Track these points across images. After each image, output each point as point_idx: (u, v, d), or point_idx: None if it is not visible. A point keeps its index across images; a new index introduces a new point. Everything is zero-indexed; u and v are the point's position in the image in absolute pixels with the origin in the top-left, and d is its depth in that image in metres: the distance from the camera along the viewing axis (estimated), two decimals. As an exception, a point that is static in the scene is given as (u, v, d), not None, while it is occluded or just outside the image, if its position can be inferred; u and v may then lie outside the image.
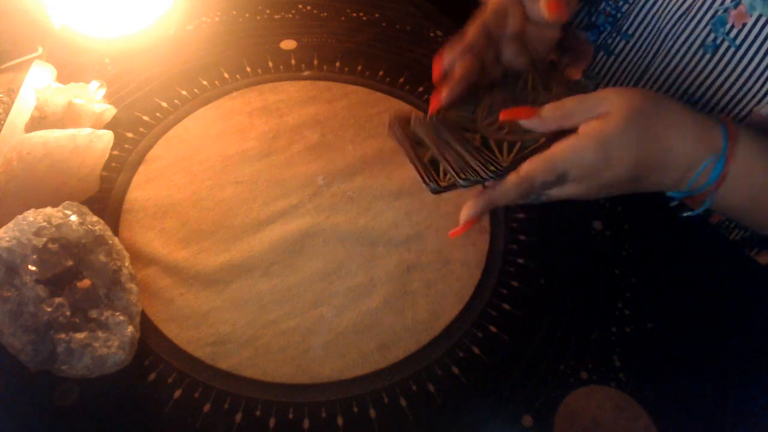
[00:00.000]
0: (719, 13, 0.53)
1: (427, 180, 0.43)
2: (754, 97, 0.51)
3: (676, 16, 0.57)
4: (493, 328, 0.47)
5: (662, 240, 0.54)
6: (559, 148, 0.42)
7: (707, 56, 0.54)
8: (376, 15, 0.72)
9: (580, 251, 0.52)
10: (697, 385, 0.45)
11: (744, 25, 0.51)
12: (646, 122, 0.42)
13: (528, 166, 0.42)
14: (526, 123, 0.43)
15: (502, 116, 0.43)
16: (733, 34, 0.52)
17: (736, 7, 0.51)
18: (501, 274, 0.50)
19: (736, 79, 0.52)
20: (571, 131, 0.42)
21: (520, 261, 0.51)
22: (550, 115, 0.43)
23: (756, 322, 0.49)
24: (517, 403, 0.43)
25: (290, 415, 0.41)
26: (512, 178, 0.43)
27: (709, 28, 0.54)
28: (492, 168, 0.42)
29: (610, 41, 0.64)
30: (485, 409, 0.43)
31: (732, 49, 0.52)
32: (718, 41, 0.53)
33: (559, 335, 0.47)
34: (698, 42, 0.55)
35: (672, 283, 0.51)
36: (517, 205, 0.54)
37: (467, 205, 0.45)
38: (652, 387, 0.44)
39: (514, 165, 0.43)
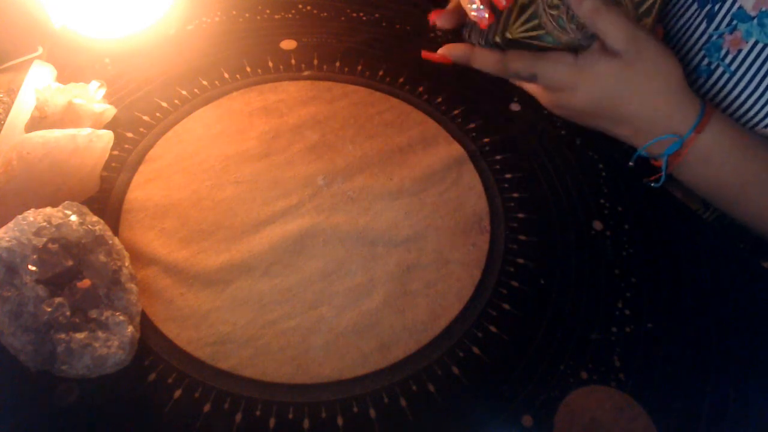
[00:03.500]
0: (713, 38, 0.52)
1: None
2: (749, 122, 0.51)
3: (669, 35, 0.57)
4: (493, 328, 0.47)
5: (662, 240, 0.54)
6: (547, 56, 0.47)
7: (701, 80, 0.54)
8: (376, 15, 0.72)
9: (580, 251, 0.52)
10: (697, 385, 0.45)
11: (740, 51, 0.50)
12: (633, 81, 0.46)
13: (513, 56, 0.48)
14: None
15: None
16: (728, 60, 0.51)
17: (731, 32, 0.51)
18: (501, 274, 0.50)
19: (730, 104, 0.52)
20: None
21: (520, 261, 0.51)
22: (590, 3, 0.45)
23: (756, 322, 0.49)
24: (517, 403, 0.43)
25: (290, 415, 0.41)
26: (496, 55, 0.49)
27: (702, 52, 0.54)
28: (493, 38, 0.48)
29: None
30: (485, 409, 0.43)
31: (727, 75, 0.52)
32: (713, 66, 0.53)
33: (559, 335, 0.47)
34: (692, 65, 0.55)
35: (672, 283, 0.51)
36: (517, 203, 0.54)
37: (451, 45, 0.51)
38: (652, 387, 0.44)
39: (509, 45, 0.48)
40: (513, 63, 0.49)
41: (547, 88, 0.49)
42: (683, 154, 0.46)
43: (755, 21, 0.49)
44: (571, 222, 0.54)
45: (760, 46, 0.49)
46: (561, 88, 0.48)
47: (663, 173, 0.48)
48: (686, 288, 0.50)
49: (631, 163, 0.52)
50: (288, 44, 0.67)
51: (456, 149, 0.58)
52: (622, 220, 0.54)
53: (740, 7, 0.50)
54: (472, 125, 0.60)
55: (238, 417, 0.41)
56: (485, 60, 0.50)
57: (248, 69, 0.64)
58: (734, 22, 0.50)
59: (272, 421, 0.41)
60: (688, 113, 0.46)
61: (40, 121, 0.51)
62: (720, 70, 0.52)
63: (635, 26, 0.45)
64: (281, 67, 0.64)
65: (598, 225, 0.54)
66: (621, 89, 0.46)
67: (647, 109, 0.46)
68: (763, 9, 0.48)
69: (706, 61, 0.53)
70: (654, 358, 0.46)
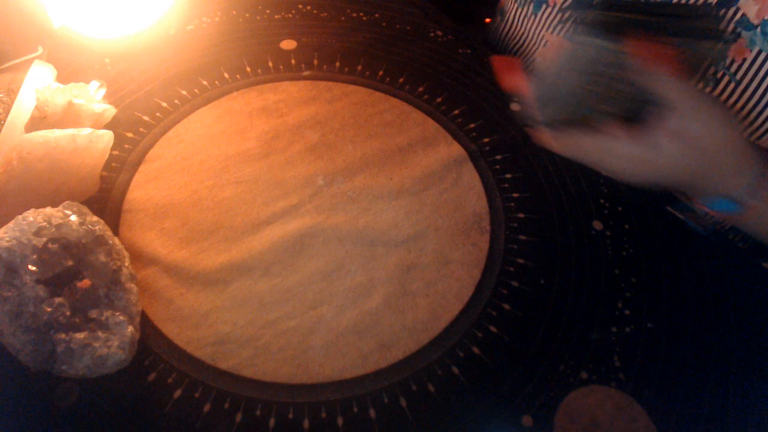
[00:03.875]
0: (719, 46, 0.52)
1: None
2: (756, 131, 0.51)
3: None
4: (493, 328, 0.47)
5: (662, 240, 0.54)
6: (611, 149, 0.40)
7: (707, 89, 0.54)
8: (376, 15, 0.72)
9: (580, 251, 0.52)
10: (697, 385, 0.45)
11: (744, 60, 0.50)
12: (708, 166, 0.40)
13: (572, 141, 0.42)
14: (649, 69, 0.38)
15: (632, 48, 0.37)
16: (733, 69, 0.51)
17: (735, 40, 0.50)
18: (501, 274, 0.50)
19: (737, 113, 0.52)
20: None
21: (520, 261, 0.51)
22: (673, 89, 0.37)
23: (756, 322, 0.49)
24: (517, 403, 0.43)
25: (290, 415, 0.41)
26: (552, 137, 0.42)
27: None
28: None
29: None
30: (485, 409, 0.43)
31: (732, 84, 0.51)
32: (719, 75, 0.52)
33: (559, 335, 0.47)
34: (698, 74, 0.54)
35: (672, 284, 0.51)
36: (517, 203, 0.54)
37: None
38: (652, 387, 0.44)
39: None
40: (572, 150, 0.43)
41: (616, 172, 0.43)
42: (742, 216, 0.43)
43: (758, 29, 0.49)
44: (571, 222, 0.54)
45: (764, 55, 0.49)
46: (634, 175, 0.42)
47: (712, 227, 0.45)
48: (686, 288, 0.50)
49: (676, 212, 0.48)
50: (288, 44, 0.67)
51: (456, 149, 0.58)
52: (622, 220, 0.54)
53: (743, 15, 0.50)
54: (472, 125, 0.60)
55: (238, 417, 0.41)
56: (543, 139, 0.45)
57: (248, 69, 0.64)
58: (738, 30, 0.50)
59: (272, 421, 0.41)
60: (749, 178, 0.40)
61: (40, 121, 0.51)
62: (726, 79, 0.52)
63: (698, 92, 0.39)
64: (281, 67, 0.64)
65: (598, 225, 0.54)
66: (703, 174, 0.40)
67: (722, 179, 0.40)
68: (766, 18, 0.48)
69: (712, 69, 0.53)
70: (654, 358, 0.46)
